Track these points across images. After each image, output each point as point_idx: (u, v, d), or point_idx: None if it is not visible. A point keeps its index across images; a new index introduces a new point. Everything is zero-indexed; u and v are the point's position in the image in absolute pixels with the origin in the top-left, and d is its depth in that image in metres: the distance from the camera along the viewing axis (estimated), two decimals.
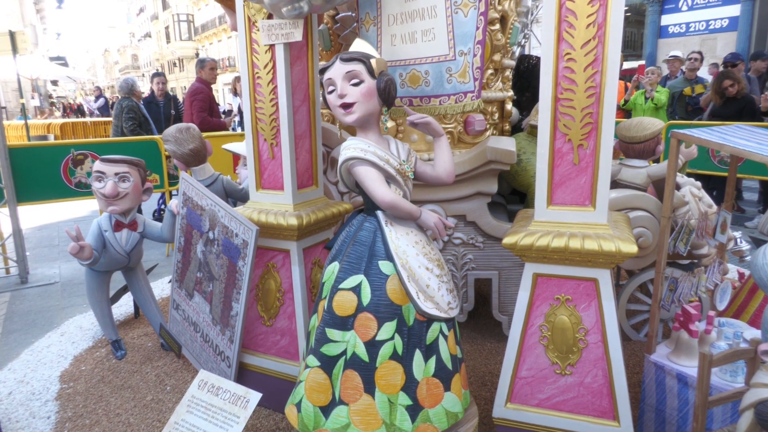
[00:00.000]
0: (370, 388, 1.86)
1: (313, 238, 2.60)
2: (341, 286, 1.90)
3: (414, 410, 1.88)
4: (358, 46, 2.03)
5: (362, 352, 1.86)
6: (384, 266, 1.88)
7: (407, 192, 2.00)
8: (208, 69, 6.19)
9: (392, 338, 1.86)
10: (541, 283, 2.06)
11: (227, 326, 2.61)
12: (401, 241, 1.91)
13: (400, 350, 1.87)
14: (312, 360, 1.96)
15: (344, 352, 1.90)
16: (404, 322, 1.88)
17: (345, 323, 1.89)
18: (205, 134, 3.72)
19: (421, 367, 1.89)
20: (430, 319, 1.91)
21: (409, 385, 1.88)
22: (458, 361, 2.02)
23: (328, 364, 1.92)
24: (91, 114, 17.85)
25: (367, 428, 1.86)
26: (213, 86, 6.37)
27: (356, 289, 1.88)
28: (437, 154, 2.04)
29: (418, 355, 1.89)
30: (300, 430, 1.99)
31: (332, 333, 1.91)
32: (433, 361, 1.91)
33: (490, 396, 2.62)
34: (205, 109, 5.94)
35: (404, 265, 1.88)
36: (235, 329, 2.55)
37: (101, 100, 18.61)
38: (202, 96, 5.96)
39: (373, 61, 1.92)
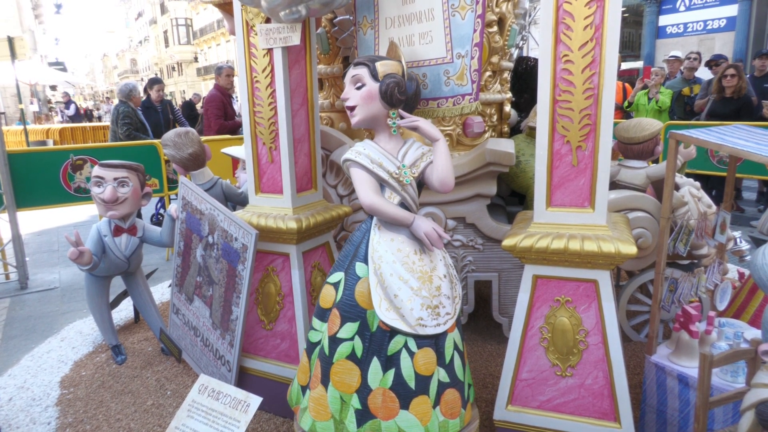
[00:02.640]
0: (325, 380, 1.93)
1: (312, 242, 2.60)
2: (327, 279, 2.03)
3: (362, 416, 1.88)
4: (388, 50, 2.11)
5: (326, 345, 1.94)
6: (359, 268, 1.92)
7: (407, 198, 1.94)
8: (224, 75, 6.59)
9: (352, 339, 1.88)
10: (541, 284, 2.06)
11: (227, 330, 2.61)
12: (381, 246, 1.90)
13: (359, 353, 1.88)
14: (305, 344, 2.13)
15: (320, 341, 2.00)
16: (367, 327, 1.88)
17: (324, 315, 2.00)
18: (204, 139, 3.73)
19: (378, 376, 1.86)
20: (394, 331, 1.85)
21: (362, 390, 1.88)
22: (433, 384, 1.87)
23: (309, 349, 2.07)
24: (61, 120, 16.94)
25: (317, 417, 1.94)
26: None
27: (336, 285, 1.98)
28: (433, 161, 1.96)
29: (375, 363, 1.87)
30: (288, 401, 2.19)
31: (315, 322, 2.05)
32: (391, 373, 1.86)
33: (491, 398, 2.62)
34: (220, 116, 6.37)
35: (376, 270, 1.87)
36: (235, 333, 2.55)
37: (71, 107, 17.52)
38: (215, 103, 6.39)
39: (378, 64, 1.93)
